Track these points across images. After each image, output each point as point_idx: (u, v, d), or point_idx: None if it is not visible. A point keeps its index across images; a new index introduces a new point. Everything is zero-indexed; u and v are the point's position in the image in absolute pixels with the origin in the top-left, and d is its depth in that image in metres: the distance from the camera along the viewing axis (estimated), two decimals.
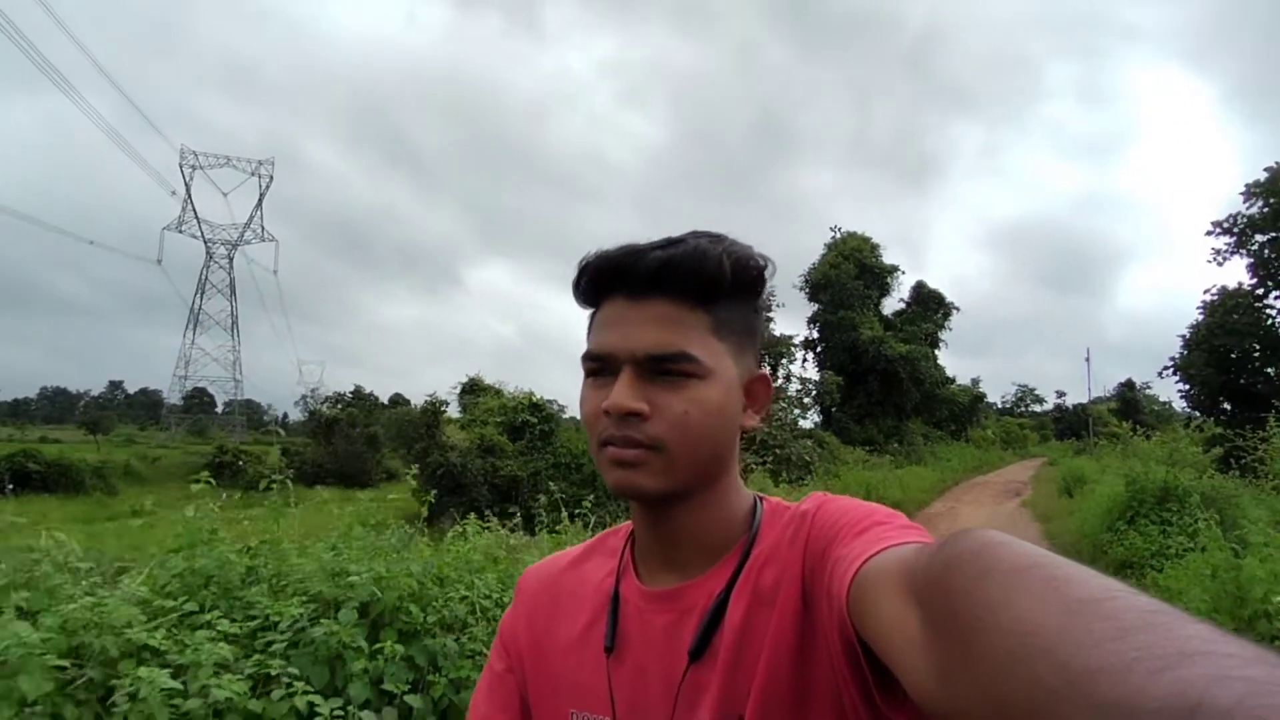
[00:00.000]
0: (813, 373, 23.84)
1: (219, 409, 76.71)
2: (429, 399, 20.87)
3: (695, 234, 0.67)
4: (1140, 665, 0.27)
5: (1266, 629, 4.94)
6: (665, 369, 0.65)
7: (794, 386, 21.31)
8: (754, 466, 11.36)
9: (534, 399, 22.66)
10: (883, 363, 25.17)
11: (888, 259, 28.19)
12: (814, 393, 20.54)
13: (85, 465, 31.48)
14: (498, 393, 27.65)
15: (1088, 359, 36.71)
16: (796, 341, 23.39)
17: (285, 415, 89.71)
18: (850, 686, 0.56)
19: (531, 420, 21.94)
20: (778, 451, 12.02)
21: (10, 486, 26.48)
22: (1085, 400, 43.18)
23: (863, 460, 16.04)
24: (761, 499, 0.74)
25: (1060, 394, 57.15)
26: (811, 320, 27.22)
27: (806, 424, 18.32)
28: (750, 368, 0.70)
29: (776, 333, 21.46)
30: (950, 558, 0.41)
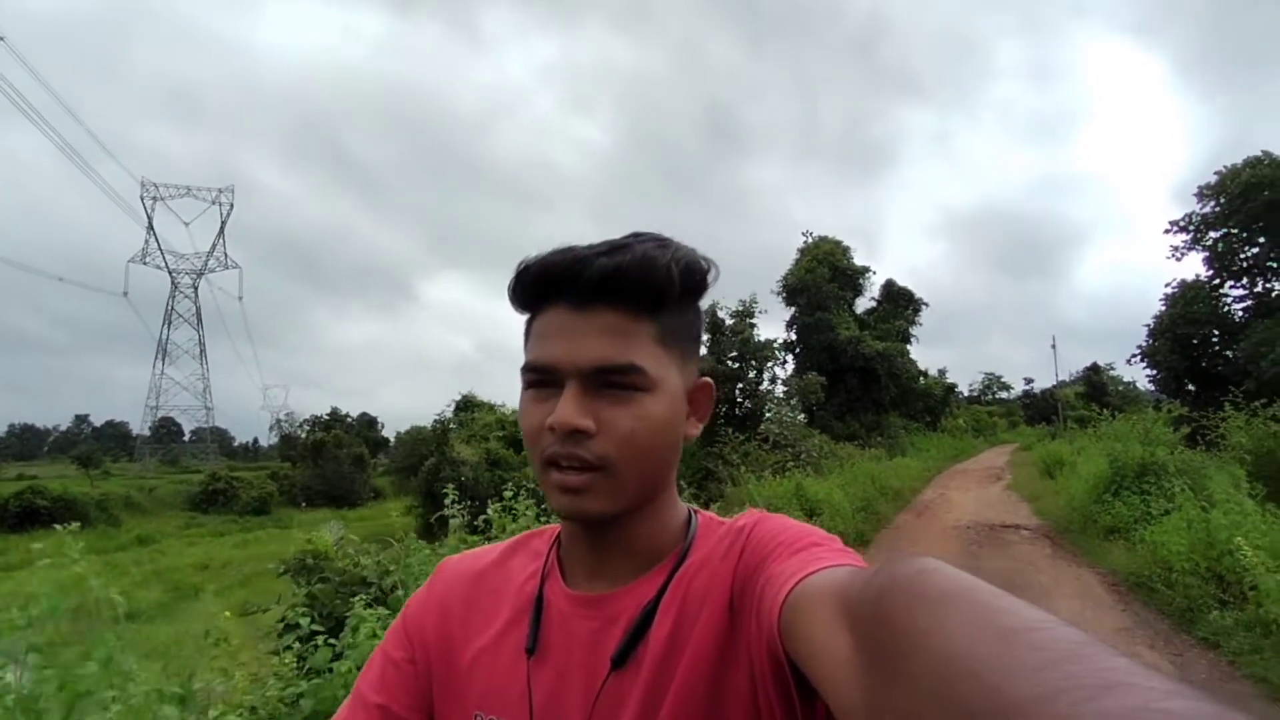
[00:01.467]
0: (791, 374, 24.73)
1: (186, 437, 75.47)
2: (438, 418, 21.39)
3: (639, 237, 0.65)
4: (1065, 695, 0.27)
5: (1231, 563, 5.95)
6: (612, 382, 0.63)
7: (780, 389, 22.20)
8: (766, 465, 12.08)
9: None
10: (860, 360, 26.20)
11: (857, 259, 29.38)
12: (798, 393, 21.41)
13: (89, 499, 31.37)
14: (491, 408, 28.49)
15: (1054, 346, 38.15)
16: (778, 345, 24.28)
17: (256, 440, 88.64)
18: (775, 706, 0.55)
19: None
20: (790, 449, 12.89)
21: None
22: (1052, 385, 44.85)
23: (854, 455, 16.91)
24: (696, 512, 0.73)
25: (1028, 380, 58.99)
26: (790, 324, 28.21)
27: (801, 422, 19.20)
28: (693, 374, 0.70)
29: (760, 338, 22.33)
30: (884, 582, 0.41)
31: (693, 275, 0.65)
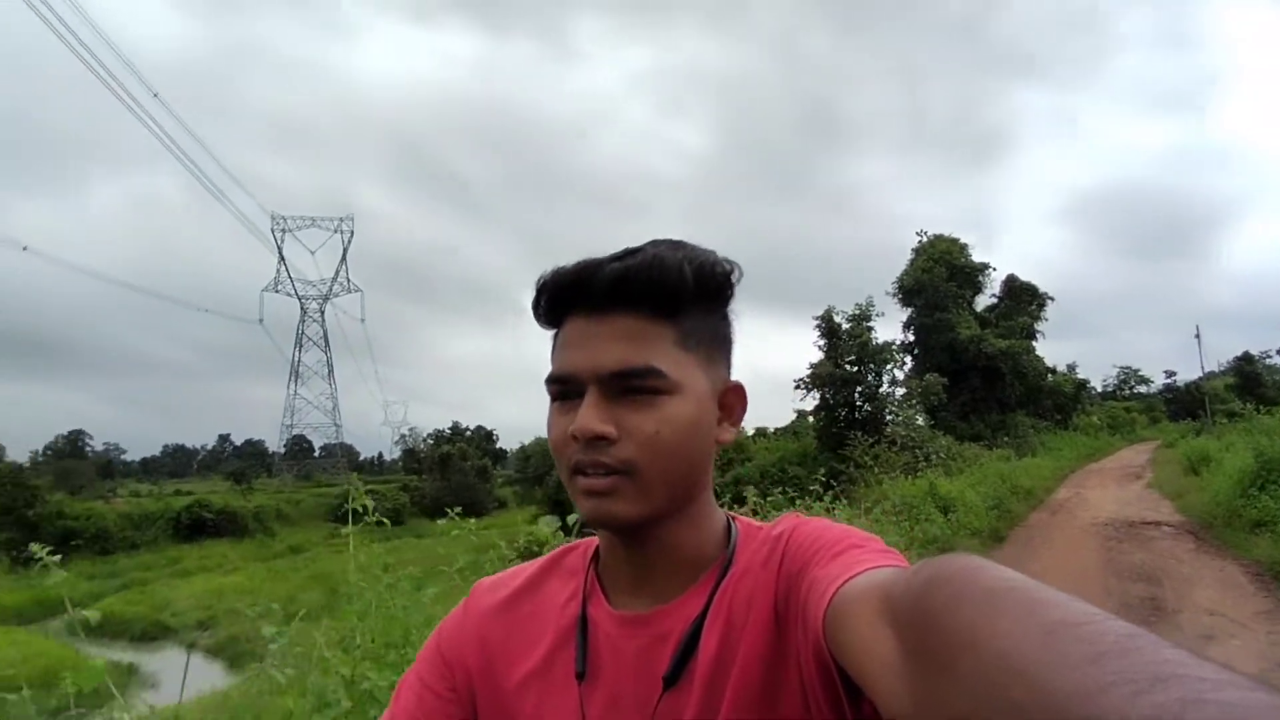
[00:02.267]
0: (910, 375, 24.92)
1: (317, 453, 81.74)
2: None
3: (654, 243, 0.66)
4: (1116, 689, 0.27)
5: None
6: (632, 386, 0.63)
7: (900, 391, 22.55)
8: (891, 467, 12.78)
9: None
10: (983, 360, 26.09)
11: (974, 255, 29.16)
12: (919, 395, 21.70)
13: (246, 512, 35.30)
14: None
15: (1198, 335, 36.11)
16: (896, 347, 24.59)
17: (380, 455, 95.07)
18: (823, 708, 0.56)
19: None
20: (918, 450, 13.55)
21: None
22: (1198, 377, 42.27)
23: (979, 455, 17.13)
24: (734, 519, 0.73)
25: (1170, 374, 55.61)
26: (907, 324, 28.35)
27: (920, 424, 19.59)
28: (723, 378, 0.69)
29: (878, 340, 22.77)
30: (927, 581, 0.42)
31: (708, 276, 0.65)
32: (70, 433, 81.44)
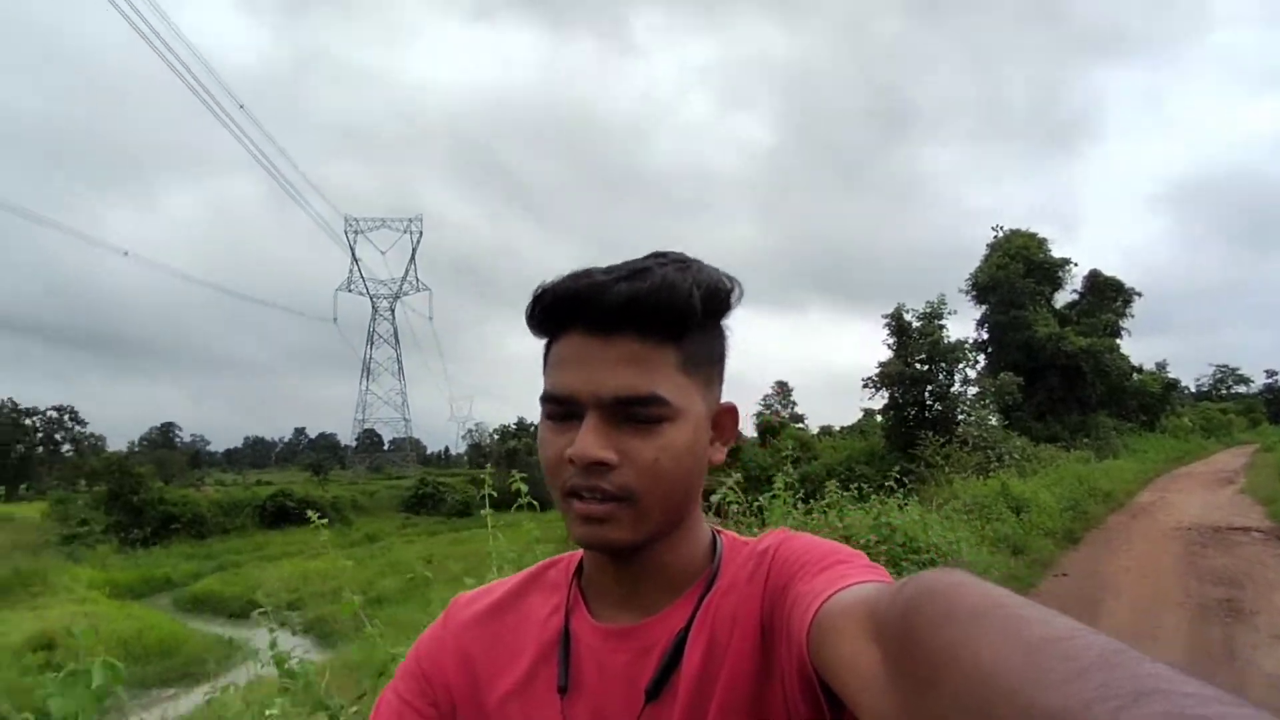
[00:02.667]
0: (983, 374, 24.51)
1: (386, 447, 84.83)
2: None
3: (658, 258, 0.65)
4: (1099, 704, 0.27)
5: None
6: (634, 413, 0.63)
7: (972, 390, 22.26)
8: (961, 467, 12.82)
9: None
10: (1062, 358, 25.43)
11: (1054, 249, 28.40)
12: (992, 394, 21.39)
13: (325, 501, 37.28)
14: None
15: None
16: (968, 345, 24.24)
17: (447, 449, 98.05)
18: None
19: None
20: (990, 451, 13.54)
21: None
22: None
23: (1056, 457, 16.87)
24: (719, 533, 0.73)
25: (1271, 373, 52.78)
26: (980, 322, 27.84)
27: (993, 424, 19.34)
28: (717, 398, 0.69)
29: (950, 339, 22.52)
30: (912, 598, 0.42)
31: (715, 297, 0.65)
32: (163, 424, 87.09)
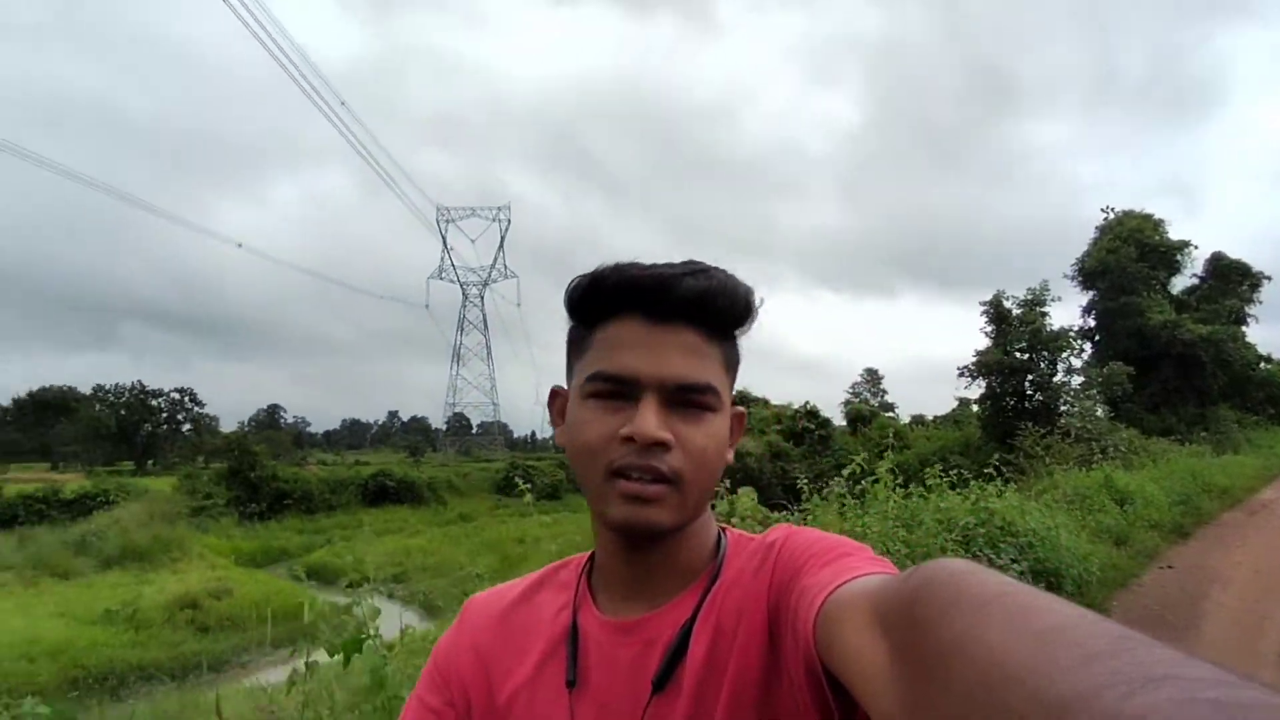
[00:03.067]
0: (1089, 363, 23.63)
1: (474, 430, 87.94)
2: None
3: (697, 264, 0.69)
4: (1108, 690, 0.27)
5: None
6: (689, 400, 0.67)
7: (1077, 380, 21.58)
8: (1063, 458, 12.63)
9: (810, 407, 25.38)
10: (1178, 347, 24.21)
11: (1172, 231, 26.99)
12: (1100, 385, 20.66)
13: (422, 482, 39.34)
14: (766, 403, 30.82)
15: None
16: (1073, 333, 23.46)
17: (534, 433, 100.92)
18: (813, 716, 0.57)
19: (810, 427, 24.57)
20: (1094, 443, 13.28)
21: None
22: None
23: (1168, 450, 16.27)
24: (725, 529, 0.76)
25: None
26: (1087, 309, 26.80)
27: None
28: (732, 401, 0.73)
29: (1054, 326, 21.88)
30: (918, 588, 0.42)
31: (753, 307, 0.71)
32: (269, 406, 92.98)
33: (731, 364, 0.72)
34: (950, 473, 6.85)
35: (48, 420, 64.95)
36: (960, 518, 6.08)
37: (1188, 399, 24.18)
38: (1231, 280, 27.49)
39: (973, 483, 6.83)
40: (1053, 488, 9.82)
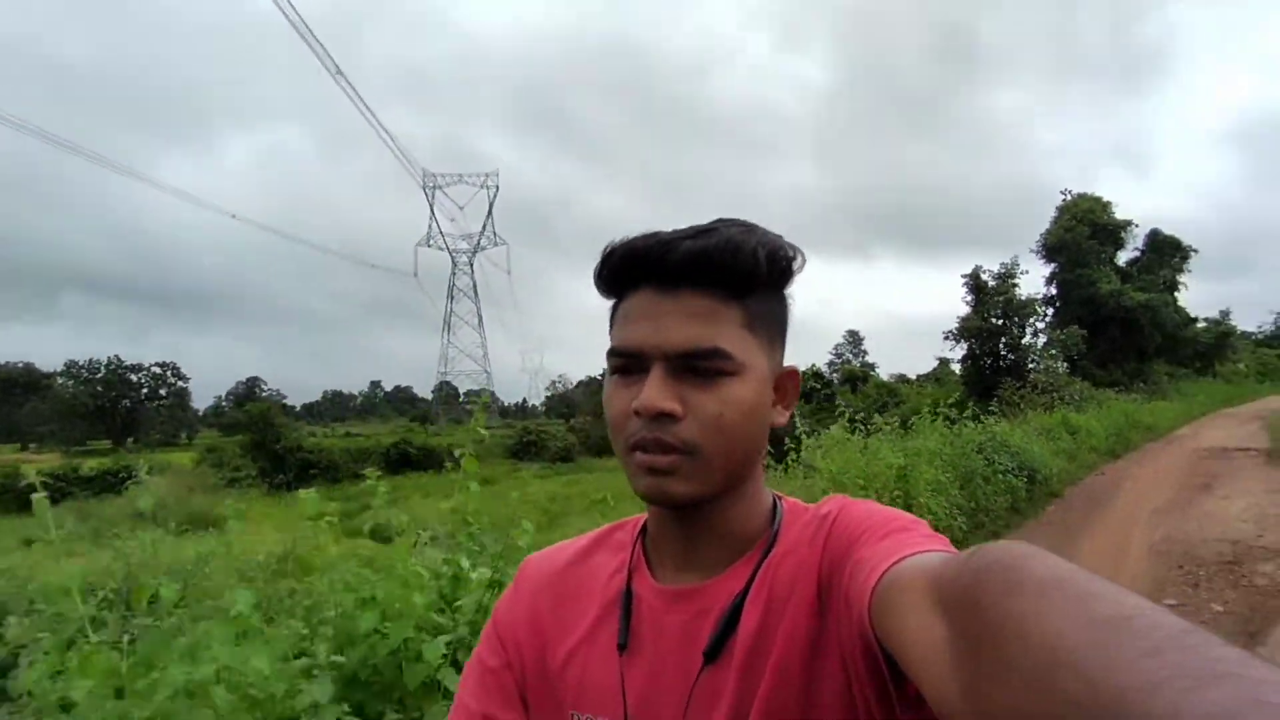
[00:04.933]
0: (1051, 326, 28.59)
1: (461, 399, 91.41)
2: None
3: (724, 222, 0.68)
4: (1170, 684, 0.28)
5: None
6: (698, 366, 0.66)
7: (1041, 341, 26.56)
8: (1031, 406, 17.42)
9: (816, 369, 30.02)
10: (1122, 312, 29.38)
11: (1122, 189, 32.11)
12: (1059, 345, 25.61)
13: (442, 448, 43.26)
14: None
15: None
16: (1038, 301, 28.41)
17: (524, 400, 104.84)
18: (867, 690, 0.58)
19: (816, 387, 29.10)
20: (1056, 394, 18.10)
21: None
22: None
23: (1111, 399, 21.07)
24: (780, 498, 0.76)
25: None
26: (1049, 280, 31.92)
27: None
28: (780, 362, 0.73)
29: (1023, 296, 26.74)
30: (979, 569, 0.43)
31: (778, 260, 0.68)
32: (249, 379, 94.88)
33: (761, 323, 0.70)
34: (946, 420, 10.89)
35: (14, 399, 63.56)
36: (975, 438, 10.49)
37: (1129, 356, 29.46)
38: (1166, 253, 32.86)
39: (981, 418, 11.30)
40: (1025, 424, 14.49)
